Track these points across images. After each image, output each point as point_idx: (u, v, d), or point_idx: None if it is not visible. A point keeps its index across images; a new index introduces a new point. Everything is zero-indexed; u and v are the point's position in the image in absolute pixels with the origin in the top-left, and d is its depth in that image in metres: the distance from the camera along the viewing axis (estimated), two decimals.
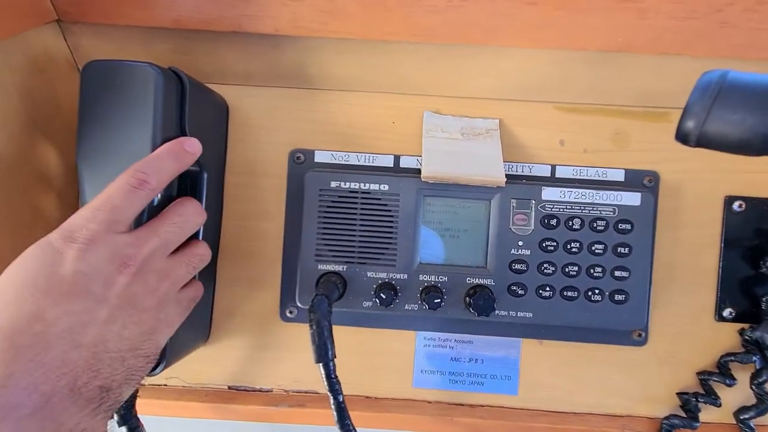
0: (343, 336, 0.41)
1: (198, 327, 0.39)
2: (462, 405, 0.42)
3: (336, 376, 0.31)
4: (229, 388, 0.42)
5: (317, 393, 0.41)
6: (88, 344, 0.24)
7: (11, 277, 0.25)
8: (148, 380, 0.41)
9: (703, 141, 0.21)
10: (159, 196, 0.31)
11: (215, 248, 0.41)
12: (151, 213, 0.31)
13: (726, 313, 0.40)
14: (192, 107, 0.34)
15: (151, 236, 0.29)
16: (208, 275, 0.40)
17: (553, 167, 0.40)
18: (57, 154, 0.39)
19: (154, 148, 0.31)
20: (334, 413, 0.31)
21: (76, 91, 0.40)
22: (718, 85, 0.20)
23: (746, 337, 0.40)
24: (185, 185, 0.37)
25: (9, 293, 0.24)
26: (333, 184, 0.37)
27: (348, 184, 0.37)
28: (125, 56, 0.39)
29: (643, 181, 0.40)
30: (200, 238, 0.36)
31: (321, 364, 0.30)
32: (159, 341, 0.29)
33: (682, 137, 0.21)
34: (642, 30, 0.33)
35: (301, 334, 0.41)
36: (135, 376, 0.27)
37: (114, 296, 0.26)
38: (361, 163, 0.40)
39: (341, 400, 0.31)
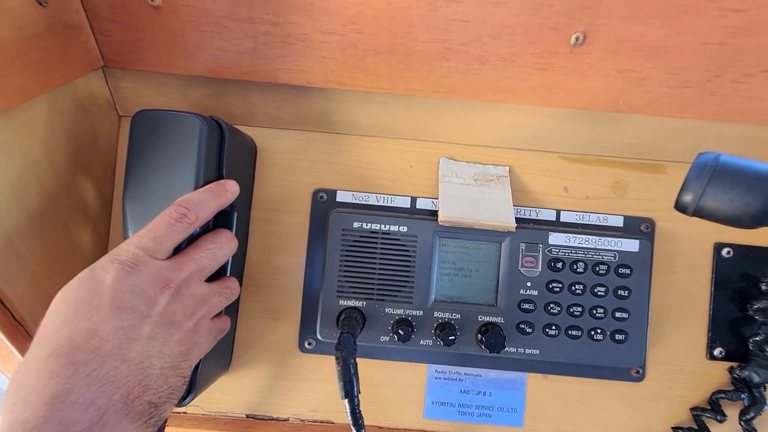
0: (358, 368, 0.43)
1: (221, 356, 0.41)
2: None
3: (360, 411, 0.33)
4: (247, 416, 0.43)
5: (332, 423, 0.43)
6: (134, 359, 0.26)
7: (67, 296, 0.27)
8: None
9: (699, 213, 0.24)
10: (197, 230, 0.33)
11: (239, 280, 0.43)
12: (189, 244, 0.33)
13: (716, 352, 0.43)
14: (229, 152, 0.36)
15: (188, 261, 0.31)
16: (231, 306, 0.41)
17: (558, 212, 0.43)
18: (94, 190, 0.41)
19: (195, 189, 0.33)
20: None
21: (115, 131, 0.43)
22: (712, 167, 0.23)
23: (735, 376, 0.43)
24: (217, 220, 0.39)
25: (66, 311, 0.26)
26: (355, 225, 0.40)
27: (369, 225, 0.40)
28: (163, 100, 0.42)
29: (640, 227, 0.43)
30: (228, 273, 0.38)
31: (347, 400, 0.32)
32: (192, 362, 0.31)
33: (680, 208, 0.25)
34: (640, 95, 0.37)
35: (319, 365, 0.43)
36: (174, 394, 0.29)
37: (156, 314, 0.28)
38: (380, 203, 0.43)
39: None
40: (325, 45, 0.36)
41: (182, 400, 0.35)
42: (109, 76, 0.41)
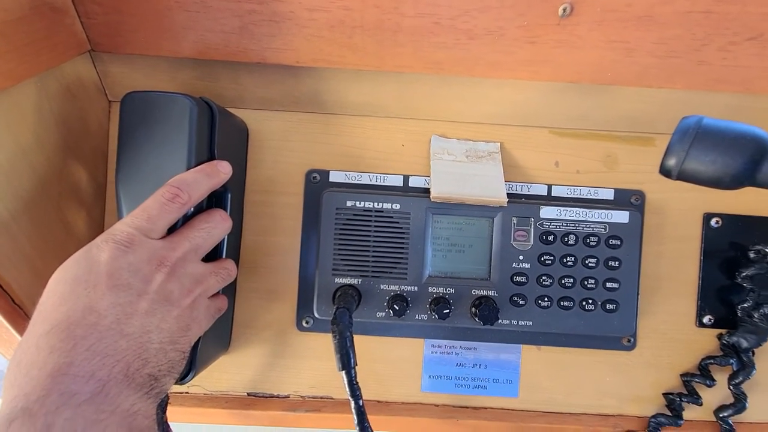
0: (356, 344, 0.44)
1: (220, 337, 0.42)
2: (467, 408, 0.45)
3: (357, 383, 0.34)
4: (248, 394, 0.44)
5: (332, 398, 0.44)
6: (133, 334, 0.27)
7: (64, 275, 0.28)
8: (172, 388, 0.43)
9: (682, 176, 0.24)
10: (191, 210, 0.33)
11: (235, 262, 0.43)
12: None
13: (706, 319, 0.44)
14: (220, 133, 0.36)
15: (182, 240, 0.32)
16: (229, 287, 0.42)
17: (550, 186, 0.44)
18: (86, 174, 0.41)
19: (188, 169, 0.33)
20: (355, 416, 0.34)
21: (105, 115, 0.43)
22: (694, 130, 0.24)
23: (724, 342, 0.44)
24: (211, 202, 0.40)
25: (64, 290, 0.27)
26: (349, 203, 0.40)
27: (362, 203, 0.40)
28: (152, 83, 0.41)
29: (631, 199, 0.43)
30: (224, 255, 0.39)
31: (344, 372, 0.33)
32: (191, 339, 0.32)
33: (665, 172, 0.25)
34: (628, 66, 0.37)
35: (317, 342, 0.44)
36: (174, 369, 0.29)
37: (152, 291, 0.29)
38: (373, 182, 0.43)
39: (361, 404, 0.34)
40: (312, 23, 0.36)
41: (182, 379, 0.36)
42: (97, 60, 0.41)
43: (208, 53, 0.38)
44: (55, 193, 0.37)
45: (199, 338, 0.36)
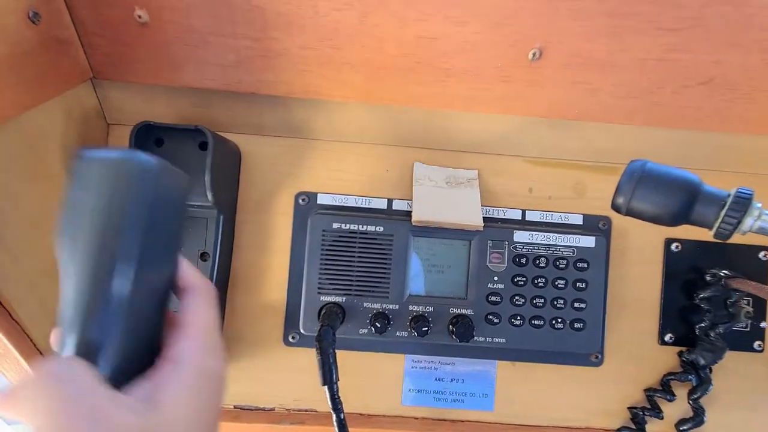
0: (339, 359, 0.46)
1: None
2: (445, 420, 0.47)
3: (338, 397, 0.36)
4: (235, 407, 0.46)
5: (316, 411, 0.46)
6: None
7: None
8: None
9: (630, 213, 0.27)
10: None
11: (227, 280, 0.45)
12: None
13: (667, 337, 0.47)
14: (214, 158, 0.39)
15: None
16: (220, 305, 0.44)
17: (524, 211, 0.47)
18: None
19: None
20: (336, 429, 0.36)
21: (103, 138, 0.45)
22: (638, 173, 0.27)
23: (684, 359, 0.47)
24: (204, 225, 0.42)
25: None
26: (335, 225, 0.43)
27: (348, 225, 0.43)
28: (150, 108, 0.44)
29: (598, 224, 0.47)
30: (216, 269, 0.41)
31: (326, 387, 0.35)
32: None
33: (615, 209, 0.28)
34: (592, 104, 0.41)
35: (302, 357, 0.46)
36: None
37: None
38: (359, 205, 0.46)
39: (342, 417, 0.36)
40: (303, 59, 0.39)
41: None
42: (98, 87, 0.43)
43: (204, 83, 0.41)
44: (57, 213, 0.39)
45: None
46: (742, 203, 0.24)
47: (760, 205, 0.25)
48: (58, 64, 0.37)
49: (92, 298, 0.20)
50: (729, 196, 0.25)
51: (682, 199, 0.26)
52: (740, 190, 0.25)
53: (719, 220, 0.25)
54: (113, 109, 0.44)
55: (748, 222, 0.25)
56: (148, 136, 0.40)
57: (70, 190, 0.21)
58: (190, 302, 0.24)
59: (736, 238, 0.47)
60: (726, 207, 0.25)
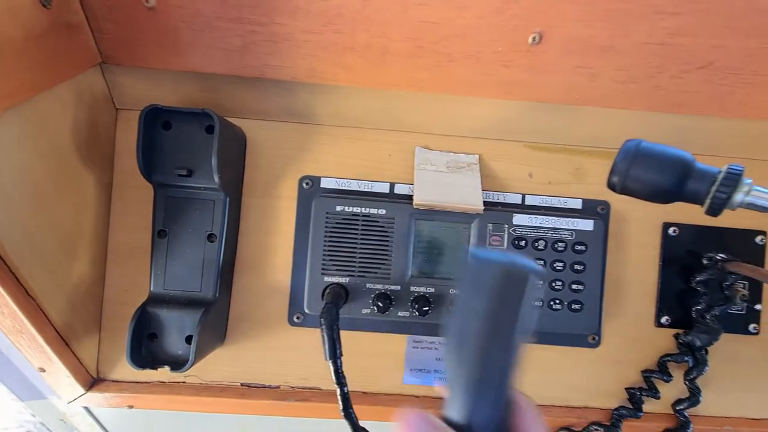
0: (342, 339, 0.47)
1: (217, 331, 0.45)
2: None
3: (342, 371, 0.37)
4: (242, 384, 0.47)
5: (320, 389, 0.47)
6: None
7: None
8: (168, 377, 0.46)
9: (624, 191, 0.28)
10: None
11: (233, 261, 0.46)
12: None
13: (663, 320, 0.48)
14: (220, 141, 0.40)
15: None
16: (225, 286, 0.45)
17: (524, 196, 0.47)
18: (94, 177, 0.44)
19: None
20: (340, 403, 0.37)
21: (112, 121, 0.46)
22: (633, 152, 0.27)
23: (680, 341, 0.48)
24: (211, 207, 0.43)
25: None
26: (338, 208, 0.44)
27: (351, 208, 0.44)
28: (157, 93, 0.45)
29: (597, 209, 0.47)
30: (222, 250, 0.42)
31: (330, 361, 0.36)
32: None
33: (610, 187, 0.29)
34: (592, 89, 0.41)
35: (307, 337, 0.47)
36: None
37: None
38: (361, 189, 0.47)
39: (346, 391, 0.37)
40: (307, 44, 0.39)
41: (180, 369, 0.39)
42: (107, 71, 0.44)
43: (210, 68, 0.41)
44: (67, 194, 0.40)
45: (197, 332, 0.39)
46: (733, 179, 0.25)
47: (750, 181, 0.26)
48: (68, 49, 0.37)
49: (477, 396, 0.22)
50: (720, 172, 0.26)
51: (675, 176, 0.27)
52: (731, 166, 0.26)
53: (710, 195, 0.26)
54: (122, 93, 0.45)
55: (738, 197, 0.26)
56: (156, 119, 0.41)
57: (462, 291, 0.22)
58: (527, 417, 0.24)
59: (733, 222, 0.48)
60: (717, 183, 0.26)
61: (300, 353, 0.47)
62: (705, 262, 0.47)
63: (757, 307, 0.48)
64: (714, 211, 0.26)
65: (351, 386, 0.47)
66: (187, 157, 0.42)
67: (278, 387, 0.47)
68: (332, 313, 0.37)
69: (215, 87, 0.45)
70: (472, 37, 0.39)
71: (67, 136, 0.40)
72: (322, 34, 0.39)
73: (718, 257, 0.46)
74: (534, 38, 0.38)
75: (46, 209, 0.38)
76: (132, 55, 0.41)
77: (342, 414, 0.38)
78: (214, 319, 0.44)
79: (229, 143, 0.43)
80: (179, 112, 0.41)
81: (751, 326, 0.48)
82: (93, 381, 0.46)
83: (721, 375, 0.48)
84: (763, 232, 0.48)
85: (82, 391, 0.45)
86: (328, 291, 0.42)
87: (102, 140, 0.45)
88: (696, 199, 0.27)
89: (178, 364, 0.40)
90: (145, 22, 0.39)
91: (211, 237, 0.43)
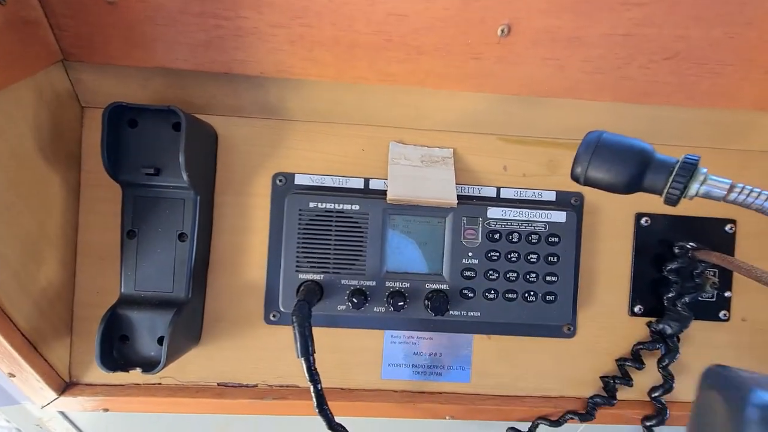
0: (320, 336, 0.47)
1: (191, 332, 0.44)
2: (423, 393, 0.48)
3: (315, 369, 0.37)
4: (218, 384, 0.47)
5: (298, 387, 0.47)
6: None
7: None
8: (143, 379, 0.46)
9: (588, 182, 0.28)
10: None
11: (206, 261, 0.46)
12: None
13: (637, 309, 0.49)
14: (188, 139, 0.39)
15: None
16: (199, 285, 0.45)
17: (498, 189, 0.48)
18: (60, 177, 0.43)
19: None
20: (314, 400, 0.37)
21: (78, 120, 0.45)
22: (594, 143, 0.28)
23: (652, 329, 0.49)
24: (181, 205, 0.42)
25: None
26: (311, 205, 0.43)
27: (324, 204, 0.43)
28: (124, 90, 0.44)
29: (571, 200, 0.48)
30: (194, 249, 0.42)
31: (303, 359, 0.36)
32: None
33: (574, 178, 0.29)
34: (561, 81, 0.41)
35: (284, 335, 0.47)
36: None
37: None
38: (336, 185, 0.46)
39: (320, 388, 0.37)
40: (274, 38, 0.39)
41: (152, 370, 0.38)
42: (70, 69, 0.43)
43: (176, 63, 0.40)
44: (29, 196, 0.39)
45: (168, 333, 0.39)
46: (688, 168, 0.25)
47: (705, 170, 0.26)
48: (25, 46, 0.36)
49: None
50: (677, 162, 0.26)
51: (635, 167, 0.27)
52: (687, 156, 0.26)
53: (668, 185, 0.26)
54: (87, 91, 0.44)
55: (694, 187, 0.26)
56: (121, 117, 0.40)
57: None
58: None
59: (704, 211, 0.49)
60: (673, 173, 0.26)
61: (277, 351, 0.47)
62: (676, 251, 0.47)
63: (727, 294, 0.49)
64: (672, 201, 0.26)
65: (330, 383, 0.47)
66: (155, 155, 0.41)
67: (256, 386, 0.47)
68: (304, 311, 0.37)
69: (183, 83, 0.44)
70: (441, 29, 0.38)
71: (28, 136, 0.39)
72: (289, 27, 0.38)
73: (688, 246, 0.46)
74: (503, 30, 0.38)
75: (7, 212, 0.37)
76: (94, 51, 0.40)
77: (317, 411, 0.38)
78: (188, 319, 0.43)
79: (198, 140, 0.42)
80: (145, 110, 0.40)
81: (722, 313, 0.49)
82: (66, 385, 0.45)
83: (693, 361, 0.49)
84: (733, 221, 0.49)
85: (54, 395, 0.44)
86: (302, 288, 0.42)
87: (67, 139, 0.44)
88: (655, 189, 0.27)
89: (150, 365, 0.39)
90: (105, 18, 0.38)
91: (182, 236, 0.42)
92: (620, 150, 0.27)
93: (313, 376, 0.37)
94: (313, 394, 0.37)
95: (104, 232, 0.45)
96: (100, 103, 0.44)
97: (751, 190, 0.25)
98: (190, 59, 0.40)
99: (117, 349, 0.41)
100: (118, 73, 0.43)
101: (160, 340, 0.41)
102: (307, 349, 0.36)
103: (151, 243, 0.42)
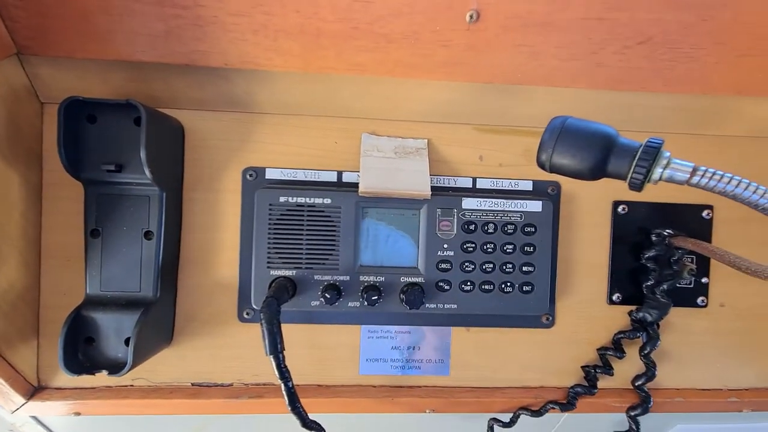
0: (295, 332, 0.46)
1: (161, 332, 0.43)
2: (402, 387, 0.48)
3: (285, 366, 0.36)
4: (192, 384, 0.46)
5: (274, 384, 0.46)
6: None
7: None
8: (114, 381, 0.45)
9: (553, 169, 0.27)
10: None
11: (176, 259, 0.45)
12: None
13: (615, 297, 0.48)
14: (149, 133, 0.38)
15: None
16: (170, 284, 0.44)
17: (474, 179, 0.47)
18: (19, 177, 0.41)
19: None
20: (286, 398, 0.36)
21: (37, 116, 0.44)
22: (558, 129, 0.27)
23: (633, 317, 0.48)
24: (146, 203, 0.41)
25: None
26: (281, 199, 0.42)
27: (295, 198, 0.42)
28: (84, 85, 0.42)
29: (548, 190, 0.47)
30: (161, 247, 0.40)
31: (272, 356, 0.35)
32: None
33: (540, 165, 0.28)
34: (535, 68, 0.41)
35: (258, 333, 0.46)
36: None
37: None
38: (308, 179, 0.45)
39: (291, 386, 0.36)
40: (236, 27, 0.37)
41: (118, 372, 0.37)
42: (26, 63, 0.41)
43: (135, 56, 0.39)
44: None
45: (134, 334, 0.38)
46: (651, 152, 0.25)
47: (668, 154, 0.25)
48: None
49: None
50: (640, 146, 0.26)
51: (599, 153, 0.26)
52: (650, 140, 0.25)
53: (631, 170, 0.25)
54: (45, 86, 0.42)
55: (658, 171, 0.25)
56: (79, 113, 0.39)
57: None
58: None
59: (681, 197, 0.48)
60: (636, 157, 0.25)
61: (252, 349, 0.46)
62: (653, 238, 0.47)
63: (704, 280, 0.49)
64: (635, 186, 0.26)
65: (307, 379, 0.47)
66: (116, 151, 0.40)
67: (231, 385, 0.46)
68: (273, 308, 0.36)
69: (145, 77, 0.42)
70: (408, 15, 0.37)
71: None
72: (251, 16, 0.37)
73: (665, 233, 0.46)
74: (471, 16, 0.37)
75: None
76: (49, 43, 0.38)
77: (289, 409, 0.37)
78: (157, 319, 0.42)
79: (162, 135, 0.41)
80: (103, 104, 0.38)
81: (699, 299, 0.49)
82: (34, 389, 0.44)
83: (674, 348, 0.49)
84: (710, 207, 0.48)
85: (22, 400, 0.43)
86: (273, 285, 0.41)
87: (26, 137, 0.42)
88: (619, 174, 0.26)
89: (117, 367, 0.38)
90: (57, 8, 0.36)
91: (148, 234, 0.41)
92: (584, 135, 0.26)
93: (284, 373, 0.36)
94: (284, 392, 0.37)
95: (69, 232, 0.43)
96: (60, 99, 0.43)
97: (714, 173, 0.24)
98: (150, 51, 0.39)
99: (82, 351, 0.40)
100: (77, 67, 0.41)
101: (128, 341, 0.40)
102: (275, 347, 0.35)
103: (115, 242, 0.41)
